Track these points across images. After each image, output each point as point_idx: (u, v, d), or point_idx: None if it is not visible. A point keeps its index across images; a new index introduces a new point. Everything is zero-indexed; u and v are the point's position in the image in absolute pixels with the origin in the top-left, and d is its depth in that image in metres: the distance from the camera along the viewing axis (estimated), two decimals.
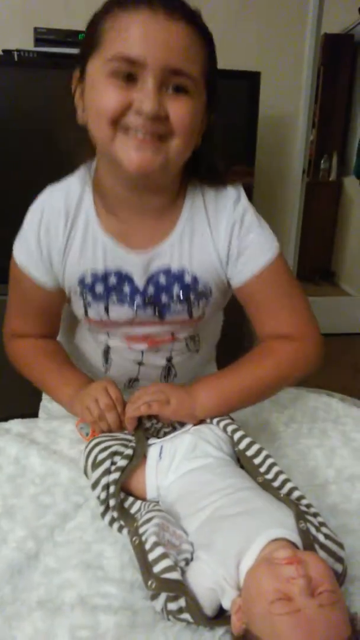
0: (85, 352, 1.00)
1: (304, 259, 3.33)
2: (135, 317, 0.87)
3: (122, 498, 0.69)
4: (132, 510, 0.68)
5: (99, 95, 0.69)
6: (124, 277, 0.85)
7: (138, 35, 0.65)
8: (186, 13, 0.68)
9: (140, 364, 0.95)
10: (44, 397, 1.09)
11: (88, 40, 0.71)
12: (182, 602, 0.54)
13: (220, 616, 0.56)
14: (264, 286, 0.84)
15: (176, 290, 0.85)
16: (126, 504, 0.69)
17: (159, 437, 0.79)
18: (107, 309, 0.86)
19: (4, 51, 1.77)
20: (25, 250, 0.85)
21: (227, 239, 0.83)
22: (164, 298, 0.85)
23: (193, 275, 0.85)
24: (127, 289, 0.85)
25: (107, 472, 0.71)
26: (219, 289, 0.88)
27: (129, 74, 0.67)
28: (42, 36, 1.85)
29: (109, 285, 0.85)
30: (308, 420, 0.95)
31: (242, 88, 1.99)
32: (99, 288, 0.85)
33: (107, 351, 0.96)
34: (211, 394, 0.80)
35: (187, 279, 0.85)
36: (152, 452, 0.74)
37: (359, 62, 4.17)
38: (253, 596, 0.51)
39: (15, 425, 0.92)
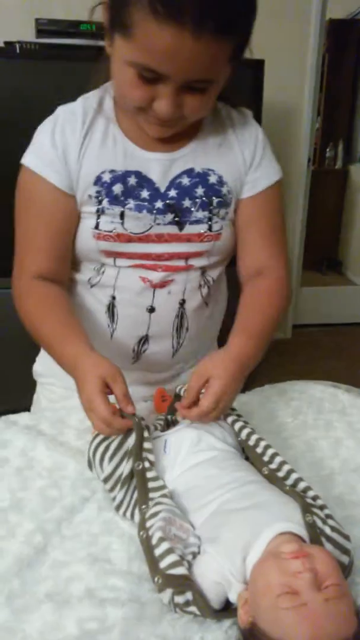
0: (87, 317, 0.94)
1: (310, 248, 3.32)
2: (153, 226, 0.85)
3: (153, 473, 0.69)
4: (154, 494, 0.66)
5: (124, 82, 0.74)
6: (143, 179, 0.85)
7: (164, 52, 0.66)
8: (216, 22, 0.65)
9: (151, 310, 0.91)
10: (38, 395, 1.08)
11: (118, 8, 0.68)
12: (188, 595, 0.55)
13: (227, 609, 0.56)
14: (266, 208, 0.92)
15: (199, 191, 0.86)
16: (152, 484, 0.67)
17: (162, 431, 0.79)
18: (122, 216, 0.84)
19: (5, 43, 1.76)
20: (38, 154, 0.84)
21: (252, 145, 0.90)
22: (186, 202, 0.86)
23: (219, 175, 0.88)
24: (146, 193, 0.85)
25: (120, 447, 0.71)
26: (235, 204, 0.90)
27: (151, 78, 0.70)
28: (44, 27, 1.83)
29: (128, 187, 0.84)
30: (314, 412, 0.95)
31: (246, 76, 1.97)
32: (117, 188, 0.84)
33: (112, 305, 0.92)
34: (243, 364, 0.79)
35: (212, 179, 0.87)
36: (157, 445, 0.74)
37: None
38: (259, 590, 0.52)
39: (22, 417, 0.92)
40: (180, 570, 0.55)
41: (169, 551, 0.57)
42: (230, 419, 0.76)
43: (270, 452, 0.71)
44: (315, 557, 0.52)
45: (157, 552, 0.57)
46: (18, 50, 1.73)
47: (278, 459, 0.70)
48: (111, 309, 0.92)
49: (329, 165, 4.38)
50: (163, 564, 0.56)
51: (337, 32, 4.03)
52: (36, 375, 1.08)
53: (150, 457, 0.70)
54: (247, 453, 0.73)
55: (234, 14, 0.67)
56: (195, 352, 0.99)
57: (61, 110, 0.85)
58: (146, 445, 0.71)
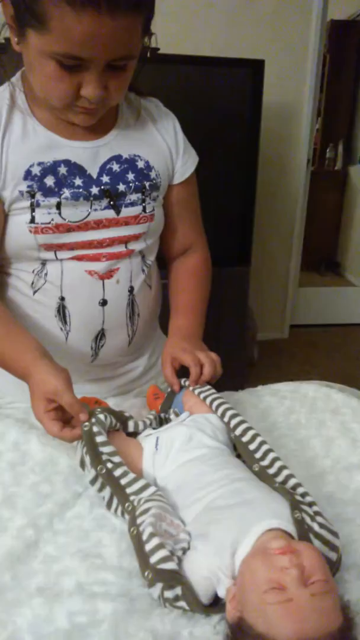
0: (36, 326, 0.93)
1: (308, 249, 3.33)
2: (90, 212, 0.87)
3: (121, 470, 0.70)
4: (134, 489, 0.67)
5: (46, 77, 0.75)
6: (74, 166, 0.87)
7: (85, 38, 0.69)
8: (133, 2, 0.69)
9: (103, 303, 0.92)
10: None
11: (27, 7, 0.69)
12: (178, 590, 0.55)
13: (216, 604, 0.57)
14: (191, 191, 1.02)
15: (130, 176, 0.90)
16: (125, 480, 0.69)
17: (154, 428, 0.80)
18: (59, 206, 0.85)
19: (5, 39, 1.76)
20: None
21: (172, 132, 0.96)
22: (120, 186, 0.89)
23: (145, 161, 0.92)
24: (79, 180, 0.87)
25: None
26: (165, 186, 0.96)
27: (74, 65, 0.72)
28: None
29: (60, 177, 0.85)
30: (307, 411, 0.96)
31: (246, 76, 1.97)
32: (49, 180, 0.85)
33: (62, 307, 0.92)
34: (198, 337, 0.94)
35: (140, 164, 0.92)
36: (149, 443, 0.75)
37: None
38: (247, 585, 0.52)
39: (15, 409, 0.92)
40: (170, 565, 0.56)
41: (159, 546, 0.57)
42: (229, 413, 0.77)
43: (264, 448, 0.72)
44: (302, 553, 0.53)
45: (148, 547, 0.58)
46: None
47: (271, 455, 0.71)
48: (61, 310, 0.92)
49: (328, 166, 4.38)
50: (153, 559, 0.57)
51: (338, 33, 4.04)
52: None
53: (114, 458, 0.70)
54: (239, 449, 0.73)
55: None
56: (145, 335, 1.03)
57: None
58: (104, 449, 0.71)
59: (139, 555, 0.59)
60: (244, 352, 2.35)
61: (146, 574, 0.56)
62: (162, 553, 0.57)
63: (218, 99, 1.98)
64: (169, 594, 0.55)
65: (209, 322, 1.03)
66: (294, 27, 2.62)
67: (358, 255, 4.19)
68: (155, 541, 0.58)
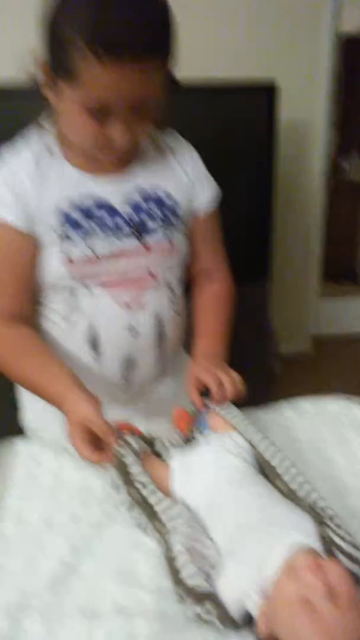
0: (69, 356, 0.98)
1: (327, 260, 3.33)
2: (117, 244, 0.92)
3: (147, 491, 0.73)
4: (160, 508, 0.71)
5: (78, 124, 0.82)
6: (100, 203, 0.92)
7: (112, 88, 0.76)
8: (151, 48, 0.75)
9: (131, 330, 0.96)
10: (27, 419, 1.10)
11: (58, 60, 0.76)
12: (210, 607, 0.58)
13: (246, 620, 0.59)
14: (213, 221, 1.05)
15: (153, 208, 0.95)
16: (153, 499, 0.72)
17: (181, 449, 0.83)
18: (88, 241, 0.91)
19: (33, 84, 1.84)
20: None
21: (190, 162, 1.00)
22: (144, 218, 0.94)
23: (166, 192, 0.97)
24: (106, 214, 0.92)
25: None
26: (187, 216, 1.00)
27: (102, 112, 0.79)
28: None
29: (88, 212, 0.91)
30: (329, 426, 0.98)
31: (260, 99, 2.02)
32: (78, 216, 0.90)
33: (93, 336, 0.96)
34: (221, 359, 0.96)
35: (163, 196, 0.96)
36: (176, 464, 0.78)
37: None
38: (276, 602, 0.55)
39: (50, 435, 0.97)
40: (202, 583, 0.59)
41: (189, 563, 0.61)
42: (252, 433, 0.80)
43: (286, 464, 0.74)
44: (329, 569, 0.55)
45: (179, 565, 0.61)
46: None
47: (293, 471, 0.73)
48: (92, 339, 0.97)
49: (344, 177, 4.40)
50: (185, 577, 0.60)
51: (353, 48, 4.07)
52: (27, 427, 1.10)
53: (144, 479, 0.74)
54: (263, 467, 0.76)
55: (160, 39, 0.77)
56: (173, 360, 1.07)
57: (8, 154, 0.92)
58: (134, 470, 0.75)
59: (171, 573, 0.62)
60: (265, 366, 2.37)
61: (179, 590, 0.59)
62: (192, 569, 0.60)
63: (233, 122, 2.02)
64: (201, 610, 0.58)
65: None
66: (306, 45, 2.65)
67: None
68: (186, 559, 0.61)
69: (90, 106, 0.78)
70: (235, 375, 0.90)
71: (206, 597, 0.58)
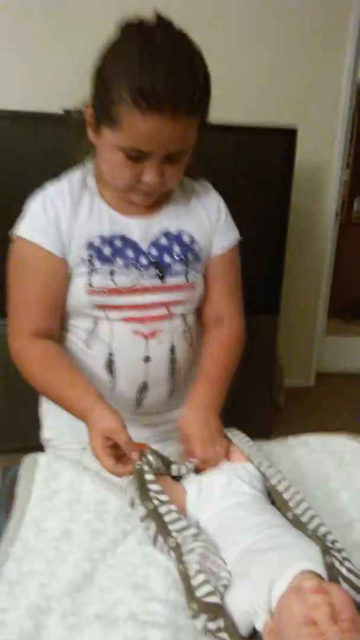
0: (87, 376, 1.01)
1: (336, 298, 3.40)
2: (140, 279, 0.99)
3: (165, 508, 0.78)
4: (175, 527, 0.76)
5: (115, 165, 0.89)
6: (127, 242, 0.99)
7: (149, 136, 0.83)
8: (189, 105, 0.82)
9: (146, 360, 1.03)
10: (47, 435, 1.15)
11: (103, 106, 0.84)
12: (220, 622, 0.63)
13: (254, 637, 0.64)
14: (228, 265, 1.10)
15: (176, 249, 1.02)
16: (168, 517, 0.77)
17: (196, 473, 0.88)
18: (112, 274, 0.97)
19: (65, 111, 1.94)
20: (31, 224, 0.96)
21: (215, 210, 1.07)
22: (165, 258, 1.01)
23: (190, 235, 1.04)
24: (131, 252, 0.99)
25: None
26: (205, 258, 1.07)
27: (138, 156, 0.87)
28: None
29: (115, 248, 0.98)
30: (336, 464, 1.03)
31: (279, 142, 2.12)
32: (107, 250, 0.97)
33: (110, 361, 1.03)
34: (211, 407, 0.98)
35: (186, 239, 1.03)
36: (192, 487, 0.83)
37: None
38: (283, 620, 0.60)
39: (70, 451, 1.02)
40: (214, 599, 0.64)
41: (205, 582, 0.65)
42: (265, 464, 0.86)
43: (297, 497, 0.80)
44: (333, 593, 0.60)
45: (194, 582, 0.66)
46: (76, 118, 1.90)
47: (304, 505, 0.79)
48: (110, 364, 1.03)
49: (356, 217, 4.50)
50: (199, 593, 0.65)
51: None
52: (46, 442, 1.15)
53: (161, 497, 0.79)
54: (274, 497, 0.81)
55: (198, 98, 0.84)
56: (186, 386, 1.11)
57: (50, 187, 1.00)
58: (152, 486, 0.80)
59: (186, 589, 0.67)
60: (270, 398, 2.42)
61: (193, 605, 0.64)
62: (207, 588, 0.65)
63: (253, 163, 2.12)
64: (212, 625, 0.63)
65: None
66: (326, 91, 2.77)
67: None
68: (201, 577, 0.66)
69: (127, 150, 0.86)
70: (219, 450, 0.91)
71: (220, 614, 0.63)
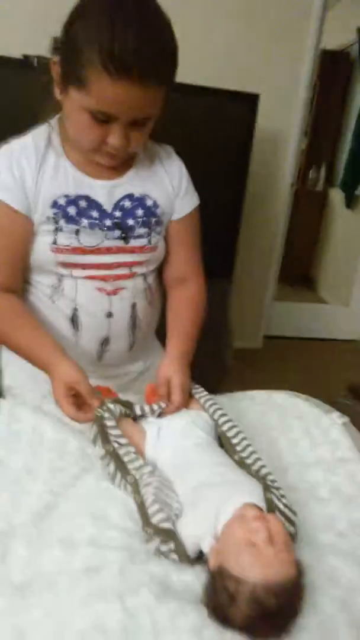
0: (52, 329, 1.08)
1: (286, 264, 3.53)
2: (104, 241, 1.03)
3: (124, 450, 0.86)
4: (133, 466, 0.84)
5: (80, 126, 0.91)
6: (92, 203, 1.02)
7: (117, 100, 0.85)
8: (158, 74, 0.85)
9: (109, 315, 1.08)
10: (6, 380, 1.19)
11: (72, 67, 0.85)
12: (171, 545, 0.72)
13: (200, 557, 0.73)
14: (189, 229, 1.15)
15: (139, 212, 1.05)
16: (127, 458, 0.85)
17: (156, 418, 0.96)
18: (77, 233, 1.01)
19: (23, 56, 1.89)
20: None
21: (178, 176, 1.11)
22: (130, 221, 1.05)
23: (153, 200, 1.07)
24: (95, 213, 1.02)
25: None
26: (166, 221, 1.11)
27: (104, 119, 0.88)
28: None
29: (80, 209, 1.01)
30: (277, 415, 1.13)
31: (241, 108, 2.15)
32: (72, 210, 1.00)
33: (75, 316, 1.07)
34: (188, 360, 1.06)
35: (149, 202, 1.07)
36: (151, 429, 0.91)
37: (352, 79, 4.34)
38: (227, 542, 0.69)
39: (29, 398, 1.07)
40: (167, 525, 0.72)
41: (159, 510, 0.74)
42: (218, 413, 0.95)
43: (244, 443, 0.89)
44: (270, 521, 0.69)
45: (150, 510, 0.74)
46: (35, 64, 1.86)
47: (249, 449, 0.88)
48: (74, 319, 1.08)
49: (310, 186, 4.60)
50: (154, 520, 0.73)
51: (329, 62, 4.26)
52: (6, 390, 1.19)
53: (121, 440, 0.87)
54: (224, 442, 0.90)
55: (166, 68, 0.87)
56: (144, 343, 1.19)
57: (15, 144, 1.00)
58: (112, 432, 0.88)
59: (142, 516, 0.75)
60: (220, 358, 2.53)
61: (148, 530, 0.72)
62: (161, 515, 0.73)
63: (214, 126, 2.14)
64: (164, 547, 0.71)
65: None
66: (289, 59, 2.79)
67: (331, 274, 4.42)
68: (156, 506, 0.74)
69: (93, 112, 0.87)
70: (179, 394, 0.98)
71: (171, 538, 0.71)
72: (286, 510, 0.77)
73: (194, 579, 0.71)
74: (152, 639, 0.62)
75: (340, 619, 0.67)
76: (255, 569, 0.64)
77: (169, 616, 0.64)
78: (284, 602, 0.64)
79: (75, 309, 1.07)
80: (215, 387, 1.18)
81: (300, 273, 4.64)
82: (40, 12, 2.17)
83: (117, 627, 0.63)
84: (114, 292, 1.07)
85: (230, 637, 0.63)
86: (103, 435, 0.87)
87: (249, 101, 2.15)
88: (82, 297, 1.06)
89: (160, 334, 1.27)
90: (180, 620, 0.64)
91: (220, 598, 0.65)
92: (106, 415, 0.89)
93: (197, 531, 0.72)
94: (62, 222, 1.00)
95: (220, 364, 2.51)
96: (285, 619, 0.65)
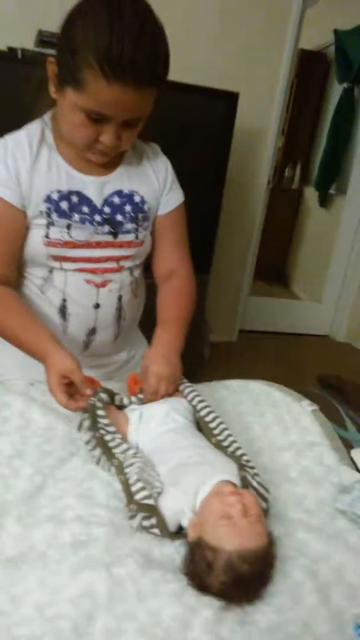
0: (41, 319, 1.09)
1: (261, 260, 3.60)
2: (94, 235, 1.08)
3: (110, 436, 0.91)
4: (118, 450, 0.89)
5: (74, 124, 0.95)
6: (83, 198, 1.07)
7: (112, 103, 0.90)
8: (152, 79, 0.90)
9: (97, 306, 1.13)
10: None
11: (69, 67, 0.89)
12: (153, 520, 0.77)
13: (180, 532, 0.79)
14: (175, 223, 1.20)
15: (128, 209, 1.10)
16: (113, 443, 0.90)
17: (138, 404, 1.02)
18: (69, 227, 1.05)
19: (8, 48, 1.92)
20: None
21: (163, 173, 1.16)
22: (118, 217, 1.09)
23: (141, 196, 1.12)
24: (86, 209, 1.07)
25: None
26: (153, 217, 1.16)
27: (98, 119, 0.93)
28: (46, 39, 1.99)
29: (72, 204, 1.05)
30: (252, 403, 1.19)
31: (221, 106, 2.20)
32: (64, 205, 1.05)
33: (64, 307, 1.12)
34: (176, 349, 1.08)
35: (137, 199, 1.12)
36: (134, 415, 0.96)
37: (329, 79, 4.43)
38: (205, 516, 0.75)
39: (17, 385, 1.11)
40: (150, 501, 0.78)
41: (142, 488, 0.79)
42: (197, 399, 1.01)
43: (221, 427, 0.96)
44: (245, 496, 0.76)
45: (134, 488, 0.80)
46: (20, 56, 1.89)
47: (226, 432, 0.94)
48: (63, 309, 1.13)
49: (286, 184, 4.69)
50: (137, 497, 0.79)
51: (306, 62, 4.34)
52: None
53: (109, 428, 0.93)
54: (202, 426, 0.97)
55: (159, 72, 0.92)
56: (128, 334, 1.24)
57: (9, 139, 1.03)
58: (101, 420, 0.93)
59: (126, 494, 0.81)
60: (196, 350, 2.60)
61: (131, 506, 0.78)
62: (144, 492, 0.79)
63: (193, 123, 2.19)
64: (146, 522, 0.77)
65: None
66: (267, 57, 2.84)
67: (304, 270, 4.53)
68: (139, 484, 0.80)
69: (88, 112, 0.92)
70: (154, 382, 1.00)
71: (152, 512, 0.77)
72: (259, 487, 0.83)
73: (174, 552, 0.77)
74: (137, 603, 0.68)
75: (307, 586, 0.74)
76: (231, 539, 0.71)
77: (152, 583, 0.70)
78: (256, 569, 0.70)
79: (64, 300, 1.11)
80: (192, 378, 1.23)
81: (274, 269, 4.73)
82: (24, 4, 2.19)
83: (105, 594, 0.68)
84: (102, 284, 1.12)
85: (208, 601, 0.69)
86: (93, 422, 0.92)
87: (229, 99, 2.21)
88: (71, 288, 1.11)
89: (143, 326, 1.33)
90: (162, 587, 0.70)
91: (198, 567, 0.71)
92: (98, 404, 0.94)
93: (177, 506, 0.78)
94: (54, 217, 1.04)
95: (197, 356, 2.58)
96: (257, 585, 0.72)
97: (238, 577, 0.69)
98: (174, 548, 0.78)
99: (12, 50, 1.90)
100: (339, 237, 3.87)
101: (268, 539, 0.74)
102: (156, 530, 0.77)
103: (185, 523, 0.78)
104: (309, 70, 4.40)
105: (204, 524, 0.74)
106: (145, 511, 0.77)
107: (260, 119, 2.94)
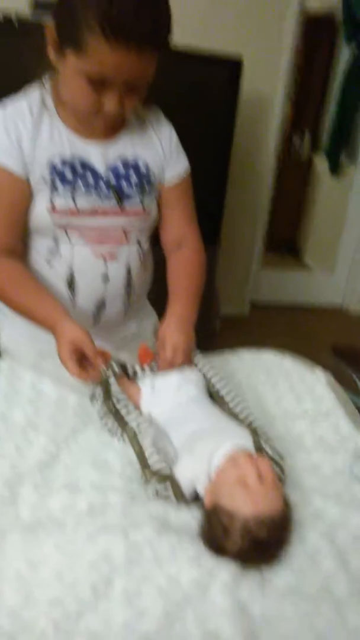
0: (50, 291, 1.09)
1: (272, 232, 3.57)
2: (99, 203, 1.06)
3: (124, 406, 0.91)
4: (132, 419, 0.89)
5: (76, 89, 0.92)
6: (87, 166, 1.05)
7: (114, 66, 0.87)
8: (154, 40, 0.87)
9: (105, 279, 1.12)
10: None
11: (69, 30, 0.86)
12: (168, 485, 0.77)
13: (195, 498, 0.79)
14: (181, 194, 1.18)
15: (133, 177, 1.08)
16: (125, 413, 0.90)
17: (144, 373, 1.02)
18: (74, 196, 1.03)
19: (2, 16, 1.87)
20: None
21: (168, 139, 1.13)
22: (124, 185, 1.08)
23: (146, 163, 1.10)
24: (90, 178, 1.05)
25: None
26: (158, 185, 1.14)
27: (100, 83, 0.91)
28: (42, 1, 1.93)
29: (76, 172, 1.04)
30: (264, 373, 1.19)
31: (224, 73, 2.14)
32: (68, 173, 1.03)
33: (71, 279, 1.11)
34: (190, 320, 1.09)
35: (142, 167, 1.10)
36: (146, 386, 0.96)
37: (337, 44, 4.30)
38: (221, 482, 0.75)
39: (27, 357, 1.11)
40: (164, 468, 0.78)
41: (157, 456, 0.79)
42: (211, 372, 1.00)
43: (233, 394, 0.96)
44: (259, 462, 0.75)
45: (148, 456, 0.80)
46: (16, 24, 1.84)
47: (237, 400, 0.94)
48: (70, 282, 1.12)
49: (295, 153, 4.60)
50: (152, 464, 0.79)
51: (314, 27, 4.21)
52: (3, 350, 1.20)
53: (120, 396, 0.93)
54: (214, 396, 0.96)
55: (162, 34, 0.89)
56: (138, 306, 1.23)
57: (9, 107, 1.01)
58: (113, 388, 0.93)
59: (140, 461, 0.81)
60: (207, 323, 2.59)
61: (146, 473, 0.78)
62: (159, 460, 0.79)
63: (198, 91, 2.13)
64: (161, 488, 0.77)
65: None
66: (271, 21, 2.75)
67: (316, 240, 4.47)
68: (154, 453, 0.80)
69: (90, 76, 0.89)
70: (170, 352, 1.01)
71: (167, 479, 0.77)
72: (273, 453, 0.83)
73: (190, 518, 0.77)
74: (155, 567, 0.68)
75: (325, 550, 0.75)
76: (247, 504, 0.71)
77: (169, 548, 0.71)
78: (273, 533, 0.71)
79: (72, 273, 1.10)
80: (203, 352, 1.23)
81: (285, 240, 4.67)
82: None
83: (122, 558, 0.69)
84: (110, 256, 1.11)
85: (226, 565, 0.70)
86: (106, 392, 0.92)
87: (233, 67, 2.15)
88: (78, 261, 1.09)
89: (151, 298, 1.32)
90: (180, 551, 0.71)
91: (215, 532, 0.72)
92: (110, 375, 0.94)
93: (192, 473, 0.78)
94: (58, 183, 1.03)
95: (208, 329, 2.57)
96: (274, 549, 0.72)
97: (255, 542, 0.69)
98: (190, 514, 0.78)
99: (7, 18, 1.85)
100: (350, 206, 3.80)
101: (284, 503, 0.74)
102: (172, 497, 0.77)
103: (200, 489, 0.78)
104: (317, 34, 4.27)
105: (220, 491, 0.74)
106: (160, 478, 0.78)
107: (266, 88, 2.86)
